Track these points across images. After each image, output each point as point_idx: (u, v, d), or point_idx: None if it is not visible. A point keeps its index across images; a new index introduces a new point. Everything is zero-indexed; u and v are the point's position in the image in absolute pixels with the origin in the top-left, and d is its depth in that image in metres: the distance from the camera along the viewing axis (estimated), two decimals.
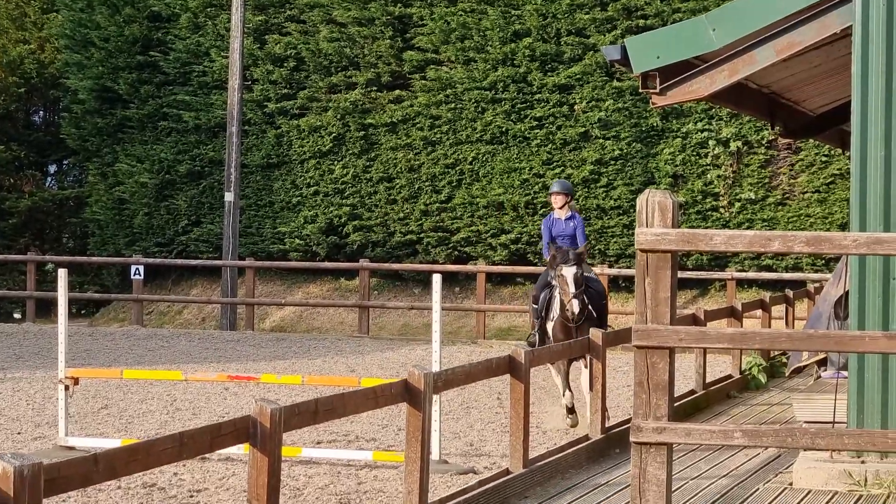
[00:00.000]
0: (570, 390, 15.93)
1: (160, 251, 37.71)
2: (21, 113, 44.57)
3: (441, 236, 35.69)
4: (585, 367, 15.50)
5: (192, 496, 13.26)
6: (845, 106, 12.61)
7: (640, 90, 10.96)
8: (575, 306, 15.83)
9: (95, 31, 39.41)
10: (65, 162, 45.37)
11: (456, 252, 35.47)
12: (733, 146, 33.77)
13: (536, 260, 34.85)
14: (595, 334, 13.08)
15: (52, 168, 46.01)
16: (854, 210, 10.11)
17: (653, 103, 11.12)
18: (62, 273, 16.12)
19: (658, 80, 10.78)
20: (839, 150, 26.97)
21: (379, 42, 36.24)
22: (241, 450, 11.92)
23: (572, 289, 15.90)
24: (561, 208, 17.27)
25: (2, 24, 43.92)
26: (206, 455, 13.59)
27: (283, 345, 29.46)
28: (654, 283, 8.53)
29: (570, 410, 15.96)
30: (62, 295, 16.01)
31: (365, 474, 14.42)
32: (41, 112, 45.79)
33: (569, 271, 15.98)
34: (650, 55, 10.72)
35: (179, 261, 36.44)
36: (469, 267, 33.00)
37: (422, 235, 35.78)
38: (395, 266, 34.65)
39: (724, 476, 10.99)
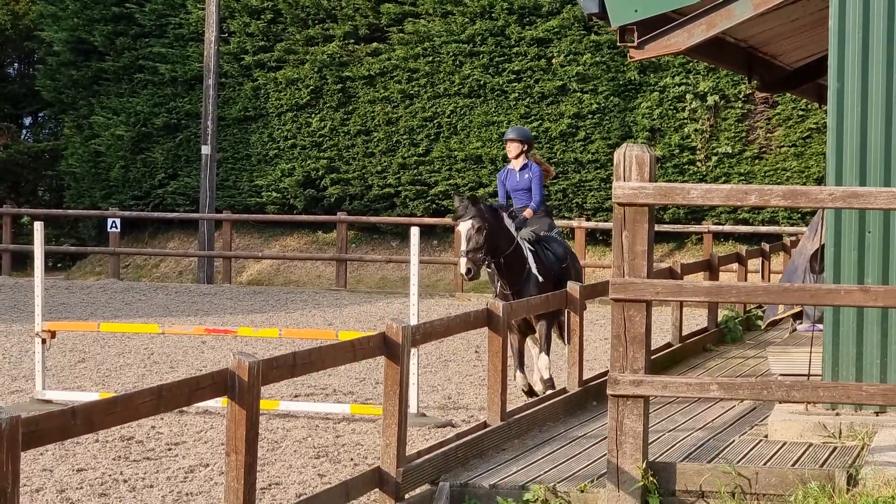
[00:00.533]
0: (522, 373, 14.51)
1: (137, 204, 37.65)
2: None
3: (419, 189, 35.72)
4: (544, 350, 14.38)
5: (169, 449, 13.32)
6: (822, 60, 12.67)
7: (618, 44, 10.98)
8: (462, 266, 14.38)
9: None
10: (40, 115, 45.24)
11: (434, 205, 35.50)
12: (710, 100, 33.84)
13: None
14: (573, 287, 13.08)
15: (28, 121, 45.88)
16: (830, 164, 10.16)
17: (631, 57, 11.15)
18: (38, 226, 16.11)
19: (636, 33, 10.81)
20: (816, 105, 27.05)
21: None
22: (218, 403, 11.96)
23: (463, 246, 14.28)
24: (516, 157, 15.40)
25: None
26: (184, 408, 13.68)
27: (260, 298, 29.51)
28: (631, 236, 8.60)
29: (530, 393, 14.39)
30: (38, 248, 16.02)
31: (343, 427, 14.49)
32: (15, 64, 45.63)
33: (463, 226, 14.28)
34: (628, 8, 10.73)
35: (156, 214, 36.43)
36: (447, 220, 33.02)
37: (399, 189, 35.80)
38: (373, 219, 34.68)
39: (700, 428, 11.06)
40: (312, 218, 34.96)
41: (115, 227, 33.77)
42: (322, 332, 18.75)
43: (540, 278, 14.44)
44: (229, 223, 34.01)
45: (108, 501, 11.16)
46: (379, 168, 35.90)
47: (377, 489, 8.74)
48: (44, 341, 15.61)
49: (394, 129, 35.88)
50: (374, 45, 36.23)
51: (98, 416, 6.41)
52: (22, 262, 35.66)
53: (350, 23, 36.25)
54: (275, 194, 36.61)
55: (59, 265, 39.28)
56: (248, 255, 35.01)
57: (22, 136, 45.06)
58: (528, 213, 15.08)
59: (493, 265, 14.42)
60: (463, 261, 14.26)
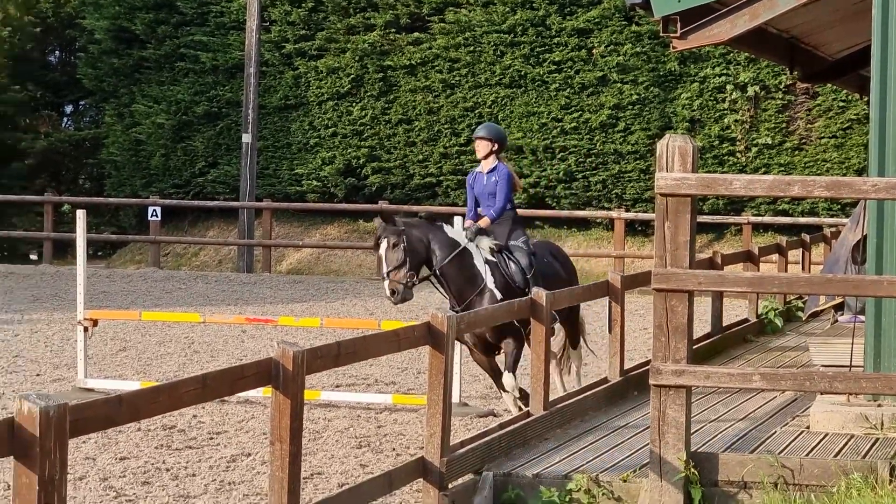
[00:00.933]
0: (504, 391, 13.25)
1: (177, 192, 37.77)
2: (37, 53, 44.56)
3: (460, 179, 35.63)
4: (508, 370, 12.94)
5: (211, 438, 13.40)
6: (865, 51, 12.61)
7: (661, 34, 11.00)
8: (385, 289, 13.17)
9: None
10: (81, 103, 45.39)
11: None
12: (751, 91, 33.76)
13: (554, 203, 34.92)
14: (613, 277, 13.07)
15: (69, 109, 46.04)
16: (872, 155, 10.15)
17: (673, 47, 11.16)
18: (80, 214, 16.21)
19: (679, 23, 10.82)
20: (857, 96, 26.95)
21: None
22: (260, 393, 12.03)
23: (383, 269, 13.03)
24: (485, 158, 13.60)
25: None
26: (226, 398, 13.74)
27: (301, 287, 29.59)
28: (673, 226, 8.61)
29: (522, 396, 12.88)
30: (80, 236, 16.10)
31: (384, 417, 14.54)
32: (57, 52, 45.77)
33: (380, 248, 13.03)
34: None
35: (196, 202, 36.57)
36: None
37: (441, 178, 35.85)
38: (415, 208, 34.59)
39: (742, 419, 11.07)
40: (353, 207, 35.03)
41: (156, 215, 33.91)
42: (364, 321, 18.81)
43: (498, 295, 12.90)
44: (269, 211, 34.13)
45: (150, 490, 11.25)
46: (420, 157, 35.94)
47: (421, 479, 8.77)
48: (86, 329, 15.71)
49: (435, 118, 35.91)
50: (416, 34, 36.26)
51: (143, 404, 6.44)
52: (63, 251, 35.87)
53: (391, 12, 36.29)
54: (315, 183, 36.67)
55: (99, 253, 39.49)
56: (288, 243, 35.09)
57: (63, 125, 45.27)
58: (483, 222, 13.47)
59: (433, 279, 13.23)
60: (385, 284, 13.10)
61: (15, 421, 5.36)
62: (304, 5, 37.07)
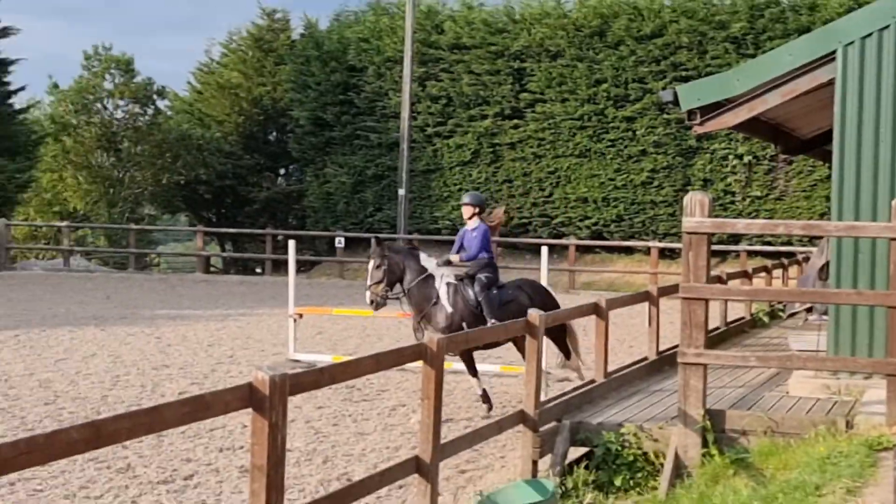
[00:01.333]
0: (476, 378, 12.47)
1: (354, 228, 38.08)
2: (260, 133, 45.20)
3: (544, 220, 35.68)
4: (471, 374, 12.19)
5: (378, 393, 13.48)
6: (828, 132, 12.43)
7: (686, 122, 10.89)
8: (367, 298, 12.36)
9: (311, 77, 39.82)
10: (290, 167, 45.96)
11: (554, 230, 35.43)
12: (746, 159, 33.35)
13: (608, 236, 34.71)
14: (652, 289, 12.92)
15: (282, 171, 46.62)
16: (834, 205, 9.98)
17: (694, 131, 11.05)
18: (291, 243, 16.44)
19: (698, 114, 10.72)
20: (821, 162, 26.48)
21: (503, 86, 36.21)
22: (412, 364, 12.02)
23: (368, 281, 12.33)
24: (469, 219, 12.61)
25: (248, 73, 44.52)
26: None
27: None
28: (694, 255, 8.55)
29: (484, 397, 12.36)
30: (291, 257, 16.33)
31: (494, 381, 14.52)
32: (274, 133, 46.34)
33: (370, 265, 12.41)
34: (693, 97, 10.65)
35: (367, 234, 36.72)
36: (563, 241, 32.92)
37: (531, 220, 35.78)
38: (513, 240, 34.70)
39: (741, 387, 10.94)
40: None
41: (341, 243, 34.20)
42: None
43: (449, 308, 12.18)
44: (417, 242, 34.24)
45: (338, 428, 11.34)
46: (518, 205, 35.90)
47: (521, 424, 8.76)
48: (294, 320, 15.91)
49: (528, 179, 35.86)
50: (515, 121, 36.25)
51: (338, 373, 6.52)
52: (278, 267, 36.32)
53: (499, 105, 36.32)
54: (447, 222, 36.79)
55: (301, 269, 39.88)
56: None
57: (277, 182, 45.86)
58: (454, 258, 12.58)
59: (403, 295, 12.35)
60: (367, 294, 12.33)
61: (252, 384, 5.44)
62: (439, 102, 37.24)
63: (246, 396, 5.38)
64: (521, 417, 8.75)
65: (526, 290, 12.75)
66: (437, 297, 12.24)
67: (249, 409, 5.41)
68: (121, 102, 43.47)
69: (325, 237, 38.13)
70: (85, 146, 42.84)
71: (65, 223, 37.38)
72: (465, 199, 12.75)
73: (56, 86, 45.09)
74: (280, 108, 43.64)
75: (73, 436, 4.08)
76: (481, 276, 12.40)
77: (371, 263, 12.35)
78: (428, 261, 12.46)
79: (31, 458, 3.92)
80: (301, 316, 16.24)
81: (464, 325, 12.19)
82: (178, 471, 9.27)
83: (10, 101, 40.94)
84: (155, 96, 44.13)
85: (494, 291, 12.41)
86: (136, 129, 43.13)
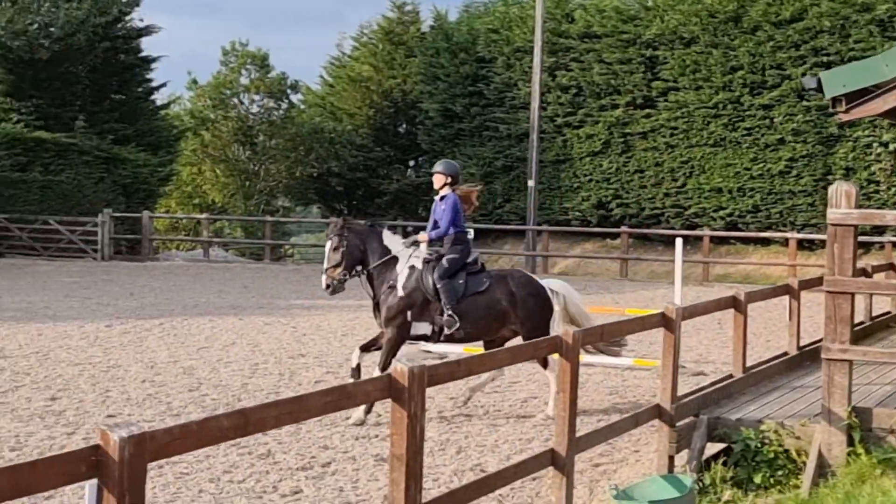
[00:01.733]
0: (359, 351, 11.34)
1: (483, 219, 38.18)
2: (391, 126, 45.66)
3: (677, 211, 35.18)
4: (379, 366, 11.02)
5: (510, 385, 13.46)
6: None
7: (830, 109, 10.59)
8: (322, 281, 11.41)
9: (440, 69, 40.06)
10: (419, 159, 46.34)
11: (688, 221, 34.92)
12: (892, 147, 32.26)
13: (744, 227, 34.04)
14: (793, 281, 12.60)
15: (411, 163, 47.02)
16: None
17: (839, 118, 10.75)
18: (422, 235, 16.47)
19: (843, 101, 10.42)
20: None
21: (634, 75, 35.81)
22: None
23: (324, 264, 11.41)
24: (440, 188, 11.53)
25: (379, 66, 45.02)
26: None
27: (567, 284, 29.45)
28: (840, 247, 8.33)
29: (356, 371, 11.22)
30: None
31: (627, 374, 14.41)
32: (404, 125, 46.77)
33: (326, 247, 11.48)
34: (838, 84, 10.34)
35: (496, 226, 36.90)
36: (697, 232, 32.41)
37: (664, 210, 35.34)
38: (645, 231, 34.32)
39: (888, 384, 10.61)
40: (603, 230, 34.83)
41: (470, 235, 34.18)
42: (613, 308, 18.63)
43: (401, 293, 11.12)
44: (547, 233, 34.20)
45: (470, 419, 11.38)
46: (650, 196, 35.50)
47: (657, 419, 8.68)
48: None
49: (660, 169, 35.42)
50: (647, 110, 35.83)
51: (474, 365, 6.56)
52: None
53: (630, 94, 35.95)
54: (577, 213, 36.64)
55: None
56: (558, 254, 35.07)
57: (407, 174, 46.26)
58: (421, 236, 11.74)
59: (362, 277, 11.38)
60: (323, 277, 11.39)
61: (391, 375, 5.52)
62: (569, 91, 37.04)
63: (385, 387, 5.45)
64: (657, 412, 8.65)
65: (507, 284, 11.48)
66: (394, 282, 11.22)
67: (388, 400, 5.45)
68: (256, 97, 44.49)
69: None
70: (222, 140, 43.94)
71: (204, 215, 38.37)
72: (438, 167, 11.62)
73: (195, 82, 46.37)
74: (410, 100, 43.99)
75: (224, 423, 4.20)
76: (445, 259, 11.31)
77: (328, 244, 11.42)
78: (393, 240, 11.44)
79: (184, 443, 4.05)
80: None
81: (408, 314, 11.20)
82: (315, 458, 9.44)
83: (153, 97, 42.29)
84: (288, 90, 44.98)
85: (461, 280, 11.30)
86: (270, 123, 44.05)
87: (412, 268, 11.26)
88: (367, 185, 44.26)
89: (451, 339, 11.43)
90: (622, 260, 32.15)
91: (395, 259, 11.30)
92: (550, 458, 7.15)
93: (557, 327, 11.36)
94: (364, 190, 44.54)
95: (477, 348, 12.66)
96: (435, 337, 11.39)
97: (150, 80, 41.67)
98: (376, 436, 10.32)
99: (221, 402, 11.73)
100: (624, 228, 32.87)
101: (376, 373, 11.15)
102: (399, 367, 5.52)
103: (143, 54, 41.06)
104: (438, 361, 6.36)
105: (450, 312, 11.14)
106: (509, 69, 38.44)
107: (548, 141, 37.21)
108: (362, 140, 44.09)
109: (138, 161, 38.67)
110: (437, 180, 11.53)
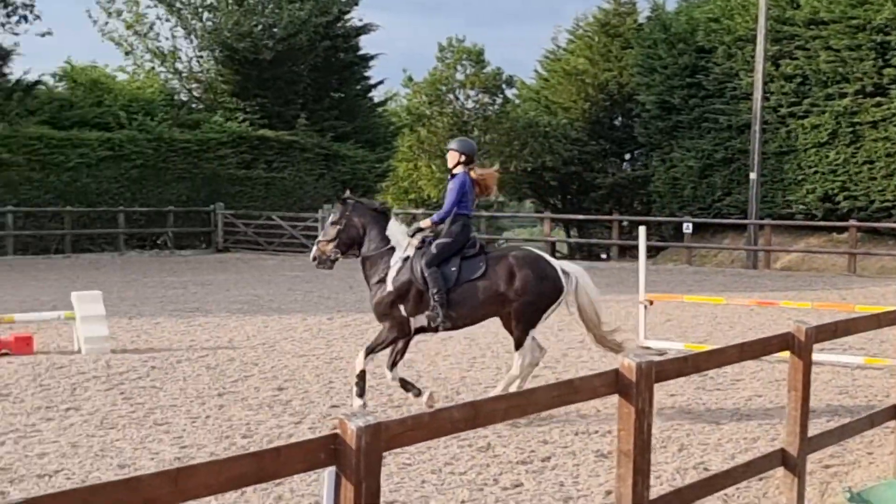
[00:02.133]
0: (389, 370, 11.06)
1: (702, 213, 37.53)
2: (606, 119, 45.41)
3: None
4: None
5: (733, 383, 13.17)
6: None
7: None
8: (311, 252, 11.00)
9: (658, 61, 39.56)
10: (636, 152, 45.90)
11: None
12: None
13: None
14: None
15: (627, 156, 46.62)
16: None
17: None
18: (642, 229, 16.26)
19: None
20: None
21: (864, 62, 34.38)
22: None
23: (320, 236, 11.00)
24: (453, 167, 10.78)
25: (594, 58, 44.82)
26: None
27: (791, 280, 28.67)
28: None
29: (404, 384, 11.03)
30: (642, 243, 16.05)
31: (857, 373, 13.86)
32: (619, 118, 46.42)
33: (328, 220, 11.06)
34: None
35: (716, 220, 36.18)
36: None
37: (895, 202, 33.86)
38: (875, 224, 32.94)
39: None
40: (829, 223, 33.69)
41: (689, 229, 33.80)
42: (841, 304, 17.97)
43: (389, 287, 10.58)
44: (769, 227, 33.26)
45: (692, 417, 11.17)
46: (880, 188, 34.04)
47: (894, 420, 8.33)
48: (645, 307, 15.83)
49: (892, 160, 33.88)
50: (878, 98, 34.35)
51: (702, 361, 6.46)
52: (623, 252, 36.36)
53: (859, 83, 34.55)
54: (801, 206, 35.55)
55: (647, 255, 39.71)
56: (781, 248, 34.06)
57: (623, 167, 45.87)
58: (424, 222, 10.95)
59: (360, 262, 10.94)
60: (313, 248, 10.92)
61: (619, 371, 5.51)
62: (794, 81, 35.92)
63: (612, 382, 5.45)
64: (893, 413, 8.30)
65: (507, 263, 10.62)
66: (385, 275, 10.70)
67: (616, 395, 5.44)
68: (471, 93, 44.98)
69: (672, 223, 37.75)
70: (438, 136, 44.66)
71: (420, 210, 39.15)
72: (452, 144, 10.92)
73: (410, 79, 47.26)
74: (626, 93, 43.63)
75: (455, 415, 4.28)
76: (434, 245, 10.57)
77: (329, 218, 11.07)
78: (396, 230, 10.85)
79: (416, 434, 4.16)
80: (651, 303, 16.11)
81: (401, 309, 10.65)
82: (535, 452, 9.50)
83: (371, 94, 43.43)
84: (504, 85, 45.31)
85: (453, 267, 10.56)
86: (485, 119, 44.49)
87: (406, 259, 10.70)
88: (581, 179, 44.18)
89: (471, 322, 10.79)
90: (850, 255, 30.93)
91: (391, 250, 10.80)
92: (781, 458, 6.98)
93: (573, 310, 10.84)
94: (578, 184, 44.47)
95: (700, 345, 12.44)
96: (431, 328, 10.72)
97: (367, 78, 42.81)
98: (596, 431, 10.29)
99: (440, 395, 11.93)
100: (852, 222, 31.65)
101: (387, 374, 11.01)
102: (627, 361, 5.50)
103: (361, 52, 42.21)
104: (665, 357, 6.29)
105: (435, 301, 10.46)
106: (730, 59, 37.59)
107: (770, 132, 36.19)
108: (577, 134, 44.03)
109: (357, 157, 39.83)
110: (451, 158, 10.83)
